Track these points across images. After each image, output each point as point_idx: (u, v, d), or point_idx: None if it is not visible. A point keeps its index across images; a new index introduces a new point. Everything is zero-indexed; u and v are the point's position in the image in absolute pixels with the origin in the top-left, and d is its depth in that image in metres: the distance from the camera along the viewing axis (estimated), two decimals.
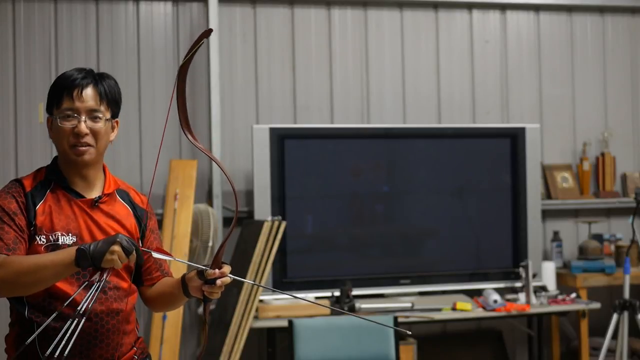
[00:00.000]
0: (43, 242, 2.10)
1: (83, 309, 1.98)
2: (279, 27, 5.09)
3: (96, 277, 1.99)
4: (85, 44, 4.83)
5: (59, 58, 4.78)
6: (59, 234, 2.11)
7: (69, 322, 1.97)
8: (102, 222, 2.18)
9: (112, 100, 2.21)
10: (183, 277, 2.16)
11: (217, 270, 2.04)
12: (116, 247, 1.94)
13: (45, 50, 4.78)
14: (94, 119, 2.16)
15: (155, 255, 2.09)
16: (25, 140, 4.72)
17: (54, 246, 2.09)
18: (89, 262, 1.94)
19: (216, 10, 4.85)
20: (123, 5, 4.89)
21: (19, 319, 2.15)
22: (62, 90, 2.13)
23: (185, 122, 2.08)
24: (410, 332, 2.36)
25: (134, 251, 1.97)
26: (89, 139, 2.15)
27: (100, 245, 1.94)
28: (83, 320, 1.98)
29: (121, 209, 2.24)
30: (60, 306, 2.06)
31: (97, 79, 2.18)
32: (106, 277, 1.98)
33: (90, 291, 1.98)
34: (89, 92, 2.15)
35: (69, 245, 2.09)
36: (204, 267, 2.07)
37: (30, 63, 4.75)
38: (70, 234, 2.12)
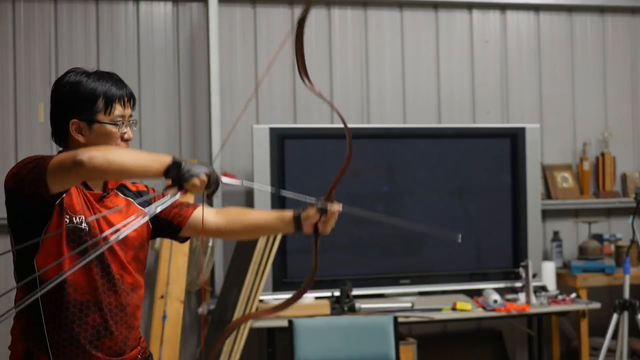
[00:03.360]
0: (67, 222, 2.12)
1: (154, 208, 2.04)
2: (279, 27, 5.09)
3: (161, 194, 2.03)
4: (85, 44, 4.83)
5: (59, 58, 4.78)
6: (81, 218, 2.14)
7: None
8: (108, 215, 2.20)
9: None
10: (297, 218, 2.29)
11: (340, 205, 2.24)
12: (205, 179, 2.01)
13: (45, 50, 4.78)
14: (131, 124, 2.27)
15: (226, 180, 2.12)
16: (25, 140, 4.73)
17: (75, 229, 2.12)
18: (176, 175, 1.98)
19: (216, 10, 4.85)
20: (123, 5, 4.89)
21: (27, 311, 2.13)
22: (112, 99, 2.20)
23: (303, 69, 2.18)
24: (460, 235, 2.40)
25: (213, 189, 2.04)
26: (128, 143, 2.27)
27: (195, 167, 2.00)
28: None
29: (122, 203, 2.27)
30: (73, 294, 2.10)
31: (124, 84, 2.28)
32: (179, 196, 2.02)
33: (164, 201, 2.03)
34: (130, 100, 2.27)
35: (87, 230, 2.13)
36: (314, 202, 2.24)
37: (30, 63, 4.76)
38: (84, 223, 2.14)
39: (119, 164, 1.98)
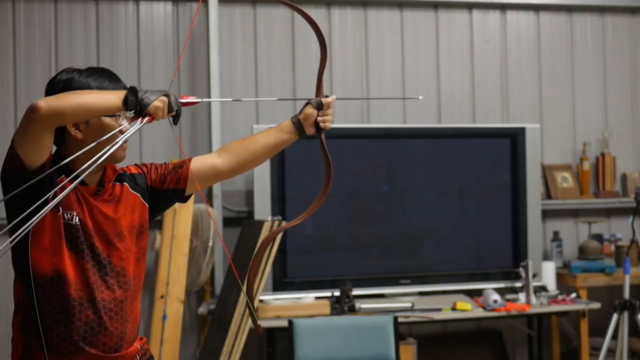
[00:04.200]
0: (64, 218, 2.10)
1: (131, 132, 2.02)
2: (279, 27, 5.09)
3: (130, 124, 2.03)
4: (85, 44, 4.83)
5: (59, 58, 4.78)
6: (73, 214, 2.12)
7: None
8: (103, 208, 2.18)
9: None
10: (297, 122, 2.32)
11: (333, 96, 2.33)
12: (165, 99, 2.03)
13: (45, 50, 4.78)
14: (127, 118, 2.21)
15: (185, 100, 2.13)
16: None
17: (67, 225, 2.10)
18: (135, 102, 2.01)
19: (216, 10, 4.85)
20: (123, 5, 4.89)
21: (24, 305, 2.13)
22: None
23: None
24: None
25: (176, 111, 2.06)
26: None
27: (152, 92, 2.03)
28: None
29: (118, 190, 2.24)
30: (68, 289, 2.07)
31: None
32: (144, 123, 2.03)
33: (129, 131, 2.02)
34: None
35: (80, 226, 2.11)
36: (307, 99, 2.32)
37: (30, 63, 4.75)
38: (75, 218, 2.12)
39: (77, 102, 1.99)
